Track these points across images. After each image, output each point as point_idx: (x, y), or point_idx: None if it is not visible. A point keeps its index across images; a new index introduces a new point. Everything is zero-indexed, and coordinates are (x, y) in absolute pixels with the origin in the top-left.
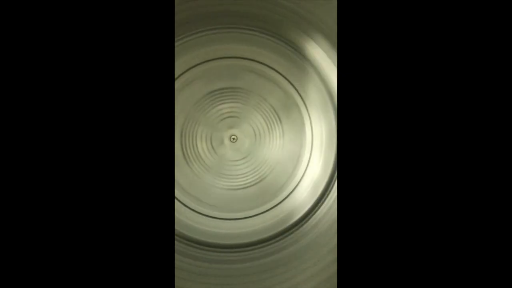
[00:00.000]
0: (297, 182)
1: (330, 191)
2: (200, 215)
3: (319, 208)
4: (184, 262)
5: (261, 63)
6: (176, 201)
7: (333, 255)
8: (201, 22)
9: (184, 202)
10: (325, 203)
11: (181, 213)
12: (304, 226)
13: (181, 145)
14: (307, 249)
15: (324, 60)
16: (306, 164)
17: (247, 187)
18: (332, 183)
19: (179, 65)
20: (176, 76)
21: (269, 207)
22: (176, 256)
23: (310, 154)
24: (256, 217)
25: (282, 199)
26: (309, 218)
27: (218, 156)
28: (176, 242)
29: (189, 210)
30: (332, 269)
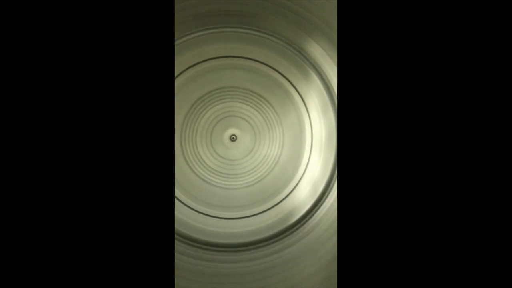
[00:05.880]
0: (297, 182)
1: (330, 191)
2: (200, 214)
3: (319, 207)
4: (183, 261)
5: (260, 62)
6: (176, 200)
7: (333, 254)
8: (201, 21)
9: (183, 201)
10: (325, 203)
11: (181, 212)
12: (304, 225)
13: (181, 144)
14: (307, 248)
15: (324, 60)
16: (306, 164)
17: (247, 186)
18: (332, 183)
19: (179, 64)
20: (175, 75)
21: (269, 207)
22: (176, 255)
23: (310, 154)
24: (256, 216)
25: (282, 198)
26: (309, 218)
27: (217, 155)
28: (176, 241)
29: (188, 209)
30: (332, 268)
